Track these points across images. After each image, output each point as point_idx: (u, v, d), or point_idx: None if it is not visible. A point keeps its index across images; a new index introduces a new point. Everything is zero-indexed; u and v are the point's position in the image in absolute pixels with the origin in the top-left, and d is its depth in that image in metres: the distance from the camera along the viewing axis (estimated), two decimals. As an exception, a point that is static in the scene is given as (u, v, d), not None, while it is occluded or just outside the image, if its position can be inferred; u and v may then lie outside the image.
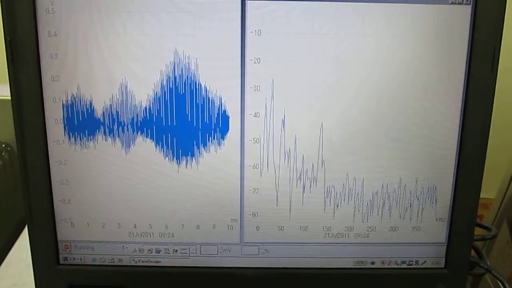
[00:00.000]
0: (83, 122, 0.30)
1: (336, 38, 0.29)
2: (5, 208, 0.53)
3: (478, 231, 0.35)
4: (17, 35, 0.29)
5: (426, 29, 0.29)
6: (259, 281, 0.33)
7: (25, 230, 0.42)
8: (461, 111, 0.30)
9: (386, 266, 0.33)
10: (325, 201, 0.32)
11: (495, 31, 0.29)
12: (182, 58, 0.29)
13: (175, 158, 0.31)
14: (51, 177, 0.31)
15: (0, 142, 0.54)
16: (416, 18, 0.29)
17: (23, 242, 0.41)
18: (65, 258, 0.33)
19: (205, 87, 0.30)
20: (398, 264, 0.33)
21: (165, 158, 0.31)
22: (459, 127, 0.31)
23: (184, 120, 0.30)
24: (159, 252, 0.33)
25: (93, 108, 0.30)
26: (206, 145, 0.31)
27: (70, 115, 0.30)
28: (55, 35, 0.29)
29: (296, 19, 0.29)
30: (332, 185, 0.31)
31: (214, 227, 0.32)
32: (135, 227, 0.32)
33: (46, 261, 0.33)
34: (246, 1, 0.29)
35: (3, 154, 0.54)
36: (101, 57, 0.29)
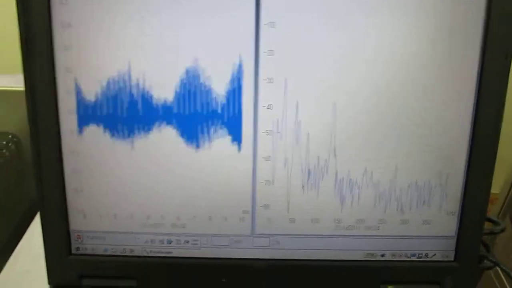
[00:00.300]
0: (96, 113, 0.30)
1: (349, 31, 0.29)
2: (12, 198, 0.53)
3: (486, 225, 0.35)
4: (31, 26, 0.29)
5: (440, 21, 0.29)
6: (270, 273, 0.33)
7: (34, 220, 0.43)
8: (474, 102, 0.30)
9: (396, 258, 0.33)
10: (336, 194, 0.32)
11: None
12: (196, 50, 0.29)
13: (187, 150, 0.31)
14: (64, 167, 0.31)
15: (7, 133, 0.54)
16: (431, 10, 0.29)
17: (33, 231, 0.42)
18: (77, 248, 0.33)
19: (219, 79, 0.30)
20: (408, 257, 0.33)
21: (177, 150, 0.31)
22: (472, 120, 0.31)
23: (197, 112, 0.30)
24: (170, 243, 0.33)
25: (107, 98, 0.30)
26: (219, 137, 0.31)
27: (83, 106, 0.30)
28: (69, 26, 0.29)
29: (310, 12, 0.29)
30: (344, 178, 0.32)
31: (225, 219, 0.32)
32: (147, 218, 0.32)
33: (58, 251, 0.33)
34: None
35: (10, 145, 0.54)
36: (115, 48, 0.29)
